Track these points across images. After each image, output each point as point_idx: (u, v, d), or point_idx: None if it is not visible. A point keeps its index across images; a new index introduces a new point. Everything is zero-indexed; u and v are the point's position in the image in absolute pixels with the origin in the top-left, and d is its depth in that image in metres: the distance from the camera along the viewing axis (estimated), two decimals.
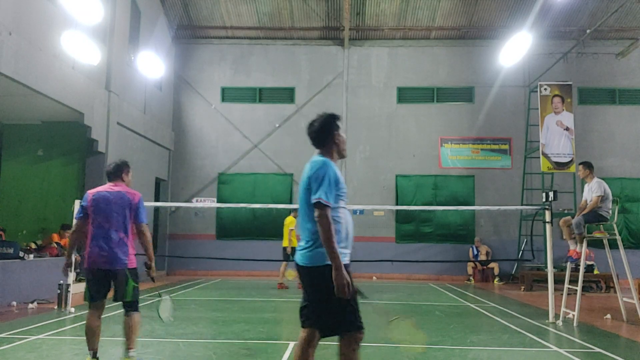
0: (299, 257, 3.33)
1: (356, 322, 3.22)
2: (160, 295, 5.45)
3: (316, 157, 3.40)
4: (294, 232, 12.03)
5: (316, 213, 3.13)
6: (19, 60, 9.32)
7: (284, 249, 12.61)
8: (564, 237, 8.56)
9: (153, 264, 4.97)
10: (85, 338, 4.70)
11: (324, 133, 3.43)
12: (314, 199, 3.14)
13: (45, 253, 10.73)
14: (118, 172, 5.00)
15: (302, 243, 3.32)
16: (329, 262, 3.10)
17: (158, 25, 16.42)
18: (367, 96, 17.64)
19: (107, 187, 4.93)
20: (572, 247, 8.22)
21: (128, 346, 4.72)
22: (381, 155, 17.25)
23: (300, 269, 3.33)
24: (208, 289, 12.69)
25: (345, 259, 3.20)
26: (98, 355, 4.74)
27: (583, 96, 17.36)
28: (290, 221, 12.62)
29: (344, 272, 3.07)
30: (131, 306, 4.80)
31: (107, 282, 4.73)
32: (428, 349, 5.94)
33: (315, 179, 3.20)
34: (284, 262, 12.51)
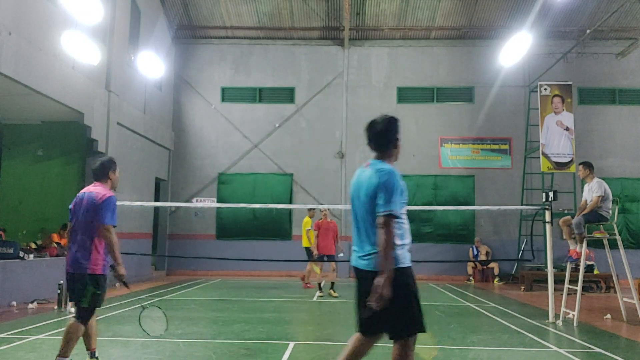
0: (362, 262, 3.31)
1: (422, 324, 3.25)
2: (144, 308, 4.97)
3: (378, 163, 3.37)
4: (311, 232, 12.01)
5: (381, 220, 3.14)
6: (19, 60, 9.31)
7: (306, 249, 12.60)
8: (564, 236, 8.57)
9: (120, 268, 4.51)
10: (82, 339, 4.69)
11: (388, 136, 3.42)
12: (385, 210, 3.14)
13: (45, 253, 10.73)
14: (104, 170, 4.78)
15: (368, 248, 3.28)
16: (400, 265, 3.18)
17: (158, 25, 16.42)
18: (367, 96, 17.64)
19: (86, 188, 4.79)
20: (572, 247, 8.22)
21: (58, 352, 4.40)
22: None
23: (364, 274, 3.29)
24: (208, 289, 12.69)
25: (408, 262, 3.28)
26: (97, 355, 4.73)
27: (583, 96, 17.36)
28: (306, 222, 12.67)
29: (390, 285, 3.11)
30: (79, 313, 4.49)
31: (75, 286, 4.52)
32: (428, 349, 5.94)
33: (386, 189, 3.18)
34: (311, 262, 12.42)
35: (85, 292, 4.42)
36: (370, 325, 3.30)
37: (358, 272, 3.36)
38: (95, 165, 4.84)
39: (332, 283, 11.39)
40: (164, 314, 4.90)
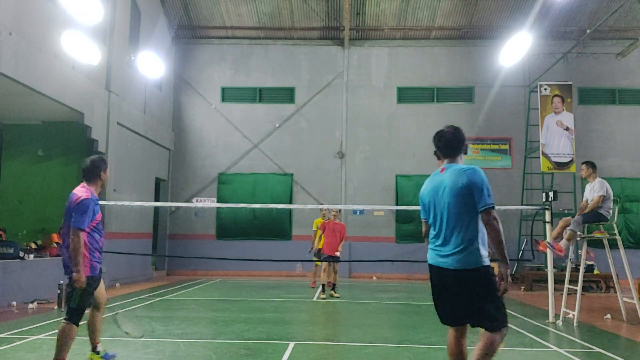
0: (443, 260, 3.51)
1: (506, 318, 3.49)
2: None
3: (456, 165, 3.67)
4: (318, 232, 11.97)
5: (492, 214, 3.39)
6: (19, 60, 9.31)
7: (319, 250, 12.56)
8: (553, 234, 8.36)
9: (78, 276, 4.35)
10: (88, 337, 4.69)
11: (459, 144, 3.75)
12: (487, 204, 3.40)
13: (45, 253, 10.73)
14: (95, 170, 4.74)
15: (451, 247, 3.49)
16: (486, 264, 3.44)
17: (158, 25, 16.41)
18: (367, 96, 17.64)
19: (75, 188, 4.75)
20: (552, 243, 8.00)
21: (54, 357, 4.39)
22: (381, 155, 17.26)
23: (444, 272, 3.50)
24: (208, 289, 12.69)
25: (488, 261, 3.49)
26: (99, 350, 4.79)
27: (583, 96, 17.36)
28: (317, 222, 12.65)
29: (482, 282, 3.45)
30: (69, 314, 4.45)
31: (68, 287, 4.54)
32: (428, 348, 5.95)
33: (480, 186, 3.45)
34: (323, 262, 12.35)
35: (72, 293, 4.40)
36: (457, 318, 3.59)
37: (439, 270, 3.55)
38: (86, 165, 4.76)
39: (334, 284, 11.39)
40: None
